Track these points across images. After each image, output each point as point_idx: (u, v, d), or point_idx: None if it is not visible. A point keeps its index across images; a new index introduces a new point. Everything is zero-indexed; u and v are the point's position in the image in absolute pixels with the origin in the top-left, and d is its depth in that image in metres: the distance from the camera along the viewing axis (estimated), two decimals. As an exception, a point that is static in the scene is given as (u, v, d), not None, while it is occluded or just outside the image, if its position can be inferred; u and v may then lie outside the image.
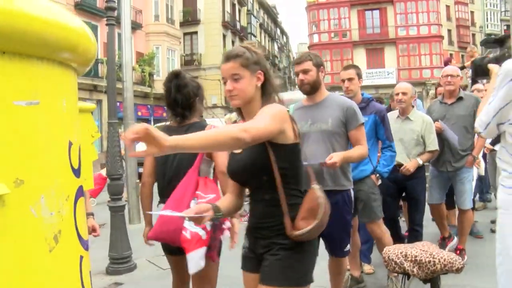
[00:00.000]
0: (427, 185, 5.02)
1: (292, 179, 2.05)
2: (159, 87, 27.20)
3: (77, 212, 1.04)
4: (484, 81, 6.01)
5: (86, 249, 1.09)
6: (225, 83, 2.11)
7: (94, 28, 22.51)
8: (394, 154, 4.03)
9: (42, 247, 0.90)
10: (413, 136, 4.54)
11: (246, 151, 2.08)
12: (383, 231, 3.97)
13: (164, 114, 29.33)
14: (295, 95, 16.22)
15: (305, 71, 3.22)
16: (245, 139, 1.75)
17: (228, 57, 2.09)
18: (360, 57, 34.03)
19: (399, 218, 5.18)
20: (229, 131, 1.79)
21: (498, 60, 2.28)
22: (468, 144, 4.81)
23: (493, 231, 5.97)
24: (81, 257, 1.04)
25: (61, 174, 0.98)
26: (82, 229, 1.06)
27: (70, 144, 1.03)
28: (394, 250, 1.89)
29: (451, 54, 37.86)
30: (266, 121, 1.90)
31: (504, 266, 2.02)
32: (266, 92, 2.14)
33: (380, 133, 4.02)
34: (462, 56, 38.48)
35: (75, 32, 1.00)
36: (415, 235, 4.71)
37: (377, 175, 3.94)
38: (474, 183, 5.29)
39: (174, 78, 2.84)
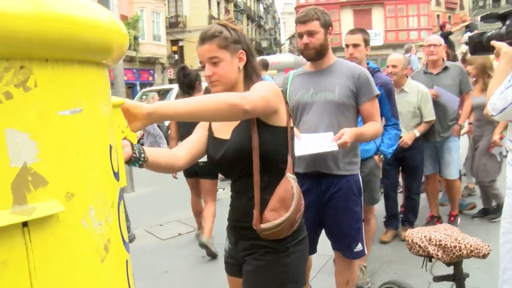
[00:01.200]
0: None
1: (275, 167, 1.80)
2: (144, 51, 26.74)
3: (120, 217, 1.02)
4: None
5: (129, 251, 1.07)
6: (203, 67, 1.87)
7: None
8: (400, 133, 3.79)
9: (94, 259, 0.88)
10: (409, 108, 4.51)
11: (234, 135, 1.83)
12: (374, 216, 4.01)
13: (150, 78, 28.97)
14: (284, 58, 15.94)
15: (311, 33, 2.67)
16: (244, 106, 1.53)
17: (203, 39, 1.84)
18: (347, 18, 33.65)
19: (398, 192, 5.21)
20: (225, 96, 1.57)
21: (503, 37, 2.24)
22: (454, 113, 4.88)
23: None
24: (127, 261, 1.03)
25: (106, 181, 0.95)
26: (124, 233, 1.04)
27: (111, 147, 0.99)
28: (417, 234, 1.91)
29: (438, 15, 37.65)
30: (263, 92, 1.70)
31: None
32: (248, 74, 1.91)
33: (385, 109, 3.59)
34: (449, 17, 38.25)
35: (113, 31, 0.95)
36: (412, 203, 4.83)
37: (381, 156, 3.73)
38: (464, 154, 5.38)
39: (182, 69, 4.74)
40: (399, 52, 6.52)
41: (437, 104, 4.69)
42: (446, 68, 4.86)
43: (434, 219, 5.10)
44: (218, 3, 35.97)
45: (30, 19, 0.74)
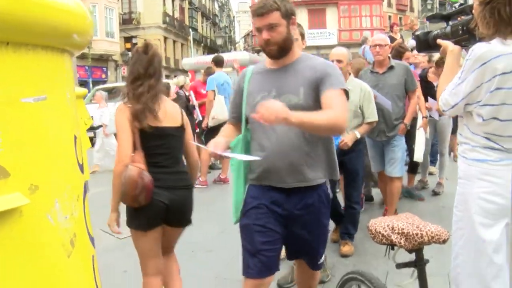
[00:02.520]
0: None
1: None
2: (97, 48, 26.04)
3: (86, 211, 0.97)
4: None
5: (94, 246, 1.03)
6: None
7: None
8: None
9: (60, 254, 0.83)
10: (351, 107, 4.04)
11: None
12: None
13: (103, 76, 28.26)
14: (239, 56, 15.91)
15: (272, 27, 2.24)
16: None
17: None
18: (302, 17, 33.99)
19: (336, 192, 4.96)
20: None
21: (448, 36, 2.35)
22: (400, 112, 4.81)
23: (435, 193, 6.24)
24: (93, 257, 0.99)
25: (71, 173, 0.90)
26: (90, 227, 1.00)
27: (75, 138, 0.95)
28: (380, 223, 1.96)
29: (390, 16, 38.75)
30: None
31: (463, 230, 2.15)
32: None
33: None
34: (400, 18, 39.41)
35: (79, 15, 0.91)
36: (352, 213, 4.50)
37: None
38: (422, 147, 5.46)
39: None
40: (355, 50, 6.52)
41: (379, 105, 4.60)
42: (391, 68, 4.78)
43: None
44: (173, 1, 35.53)
45: None
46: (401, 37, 10.76)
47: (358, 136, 4.16)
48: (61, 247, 0.84)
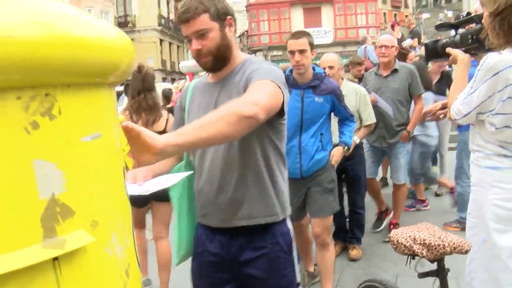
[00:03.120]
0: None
1: None
2: (93, 51, 25.99)
3: (135, 239, 1.00)
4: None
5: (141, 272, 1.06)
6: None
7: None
8: (354, 125, 3.62)
9: (118, 285, 0.86)
10: None
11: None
12: (330, 236, 3.53)
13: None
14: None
15: (202, 34, 1.81)
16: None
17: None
18: (297, 16, 34.09)
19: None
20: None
21: (458, 45, 2.39)
22: (403, 119, 4.64)
23: (437, 195, 6.26)
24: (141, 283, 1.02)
25: (123, 205, 0.93)
26: (136, 254, 1.02)
27: (124, 169, 0.97)
28: (402, 234, 2.00)
29: (385, 13, 38.84)
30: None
31: (478, 236, 2.20)
32: None
33: (341, 113, 3.45)
34: (395, 15, 39.52)
35: (124, 49, 0.93)
36: (357, 218, 4.53)
37: (345, 147, 3.47)
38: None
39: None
40: (351, 48, 6.42)
41: (380, 109, 4.54)
42: (395, 71, 4.60)
43: (383, 214, 5.14)
44: (168, 2, 35.51)
45: (45, 44, 0.72)
46: (402, 35, 10.81)
47: (358, 141, 4.10)
48: (119, 278, 0.86)
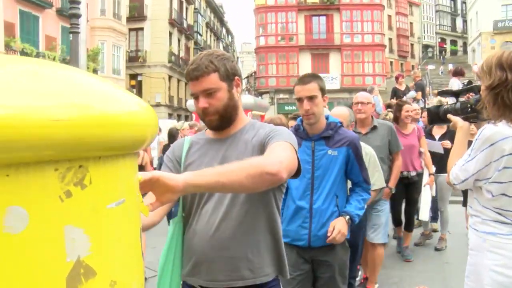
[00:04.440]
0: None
1: None
2: (103, 84, 26.37)
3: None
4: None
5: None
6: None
7: (35, 20, 21.45)
8: (369, 197, 3.07)
9: None
10: None
11: None
12: None
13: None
14: (244, 99, 15.77)
15: (210, 93, 1.83)
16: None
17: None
18: (305, 61, 34.73)
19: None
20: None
21: (458, 112, 2.52)
22: (384, 175, 4.45)
23: (437, 249, 6.13)
24: None
25: (138, 264, 1.00)
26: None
27: (140, 231, 1.05)
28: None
29: (391, 62, 39.54)
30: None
31: None
32: None
33: (353, 172, 2.90)
34: (402, 64, 40.20)
35: (150, 123, 1.02)
36: None
37: (347, 217, 2.82)
38: (427, 204, 5.49)
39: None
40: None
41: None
42: (374, 128, 4.57)
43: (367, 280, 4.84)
44: (179, 40, 36.31)
45: (81, 125, 0.79)
46: (406, 87, 11.00)
47: (365, 208, 3.77)
48: (130, 336, 0.93)
